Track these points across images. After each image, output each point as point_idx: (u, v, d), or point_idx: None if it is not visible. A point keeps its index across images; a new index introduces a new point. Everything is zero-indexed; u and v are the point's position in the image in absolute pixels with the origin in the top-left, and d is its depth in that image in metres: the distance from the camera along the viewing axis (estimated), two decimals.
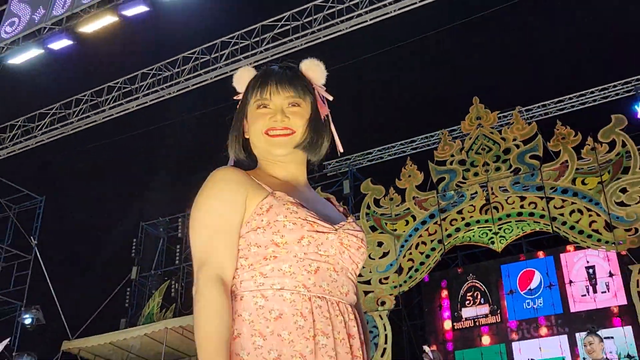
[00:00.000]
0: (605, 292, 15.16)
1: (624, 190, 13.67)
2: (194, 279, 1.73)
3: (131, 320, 18.65)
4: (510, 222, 14.66)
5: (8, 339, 15.12)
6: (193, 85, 15.01)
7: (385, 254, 15.56)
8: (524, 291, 15.94)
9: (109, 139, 16.42)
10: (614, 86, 15.22)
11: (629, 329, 14.51)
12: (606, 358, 14.57)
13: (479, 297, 16.33)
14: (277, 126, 1.82)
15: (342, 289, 1.77)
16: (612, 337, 14.76)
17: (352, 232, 1.82)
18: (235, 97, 1.95)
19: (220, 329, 1.60)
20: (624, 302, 14.69)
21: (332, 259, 1.75)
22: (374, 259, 15.60)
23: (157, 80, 15.30)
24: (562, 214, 14.12)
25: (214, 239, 1.71)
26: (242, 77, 1.91)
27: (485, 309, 16.18)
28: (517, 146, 14.88)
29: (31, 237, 17.57)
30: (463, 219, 15.05)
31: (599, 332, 7.16)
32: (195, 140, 18.12)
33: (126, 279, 19.06)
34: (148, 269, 19.48)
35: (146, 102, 15.46)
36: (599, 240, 13.72)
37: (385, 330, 15.06)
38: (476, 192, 14.94)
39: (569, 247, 15.51)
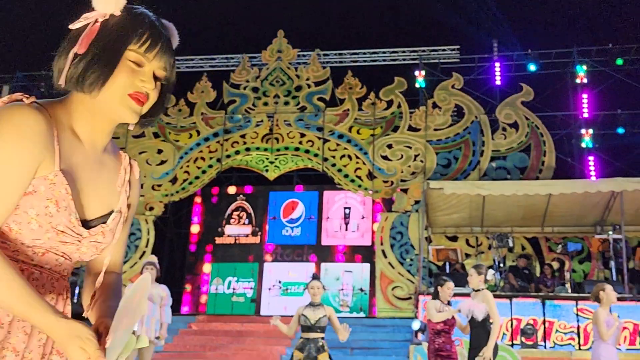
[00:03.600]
0: (355, 231, 16.18)
1: (390, 146, 14.52)
2: None
3: None
4: (287, 154, 14.95)
5: None
6: None
7: (162, 162, 15.13)
8: (285, 219, 16.48)
9: None
10: (403, 52, 15.89)
11: (367, 266, 15.69)
12: (342, 289, 15.65)
13: (244, 217, 16.60)
14: (142, 92, 1.51)
15: (65, 271, 1.57)
16: (352, 272, 15.89)
17: (98, 242, 1.58)
18: (88, 15, 1.50)
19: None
20: (369, 243, 15.81)
21: (66, 253, 1.54)
22: (150, 165, 15.10)
23: None
24: (334, 156, 14.69)
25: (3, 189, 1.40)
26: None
27: (247, 229, 16.51)
28: (309, 86, 15.10)
29: None
30: (245, 143, 15.04)
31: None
32: None
33: None
34: None
35: None
36: (359, 185, 14.52)
37: (148, 234, 14.78)
38: (262, 121, 14.98)
39: (333, 187, 16.21)
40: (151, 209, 14.94)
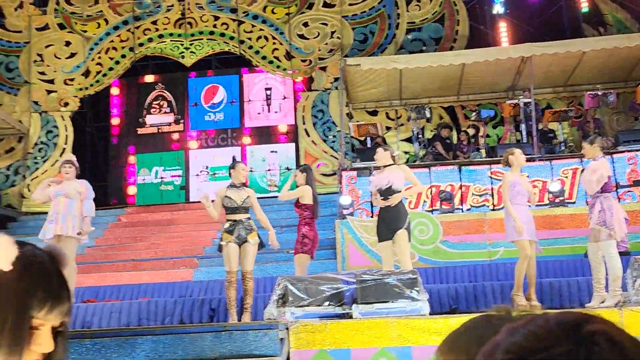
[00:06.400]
0: (277, 112, 15.97)
1: (306, 24, 14.11)
2: None
3: None
4: (202, 39, 14.34)
5: None
6: None
7: (72, 55, 14.28)
8: (207, 105, 16.07)
9: None
10: None
11: (292, 145, 15.66)
12: (269, 169, 15.66)
13: (165, 106, 16.07)
14: (39, 354, 1.28)
15: None
16: (277, 152, 15.85)
17: None
18: None
19: None
20: (292, 122, 15.69)
21: None
22: (60, 59, 14.24)
23: None
24: (250, 38, 14.20)
25: None
26: None
27: (169, 117, 16.05)
28: None
29: None
30: (157, 29, 14.30)
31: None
32: None
33: None
34: None
35: None
36: (278, 66, 14.19)
37: (66, 131, 14.19)
38: (172, 5, 14.20)
39: (252, 69, 15.77)
40: (66, 104, 14.24)
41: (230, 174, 6.77)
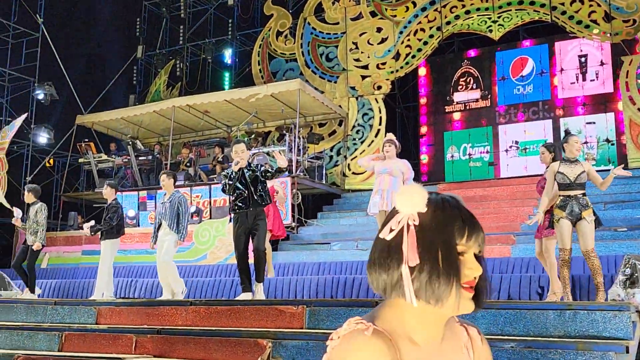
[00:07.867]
0: (594, 80, 14.86)
1: None
2: None
3: (139, 97, 18.55)
4: (510, 10, 13.94)
5: (26, 114, 15.13)
6: None
7: (383, 40, 15.04)
8: (515, 78, 15.64)
9: None
10: None
11: (611, 115, 14.47)
12: (585, 142, 14.68)
13: (471, 82, 16.06)
14: (471, 279, 1.45)
15: None
16: (595, 123, 14.78)
17: None
18: (394, 221, 1.44)
19: None
20: (610, 90, 14.48)
21: None
22: (372, 45, 15.11)
23: None
24: (562, 4, 13.39)
25: None
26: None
27: (476, 94, 15.99)
28: None
29: (37, 15, 16.78)
30: (464, 6, 14.29)
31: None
32: None
33: (132, 57, 18.61)
34: (153, 48, 18.95)
35: None
36: (595, 30, 13.16)
37: (380, 112, 15.04)
38: None
39: (564, 36, 14.86)
40: (379, 87, 15.08)
41: (563, 148, 6.43)
